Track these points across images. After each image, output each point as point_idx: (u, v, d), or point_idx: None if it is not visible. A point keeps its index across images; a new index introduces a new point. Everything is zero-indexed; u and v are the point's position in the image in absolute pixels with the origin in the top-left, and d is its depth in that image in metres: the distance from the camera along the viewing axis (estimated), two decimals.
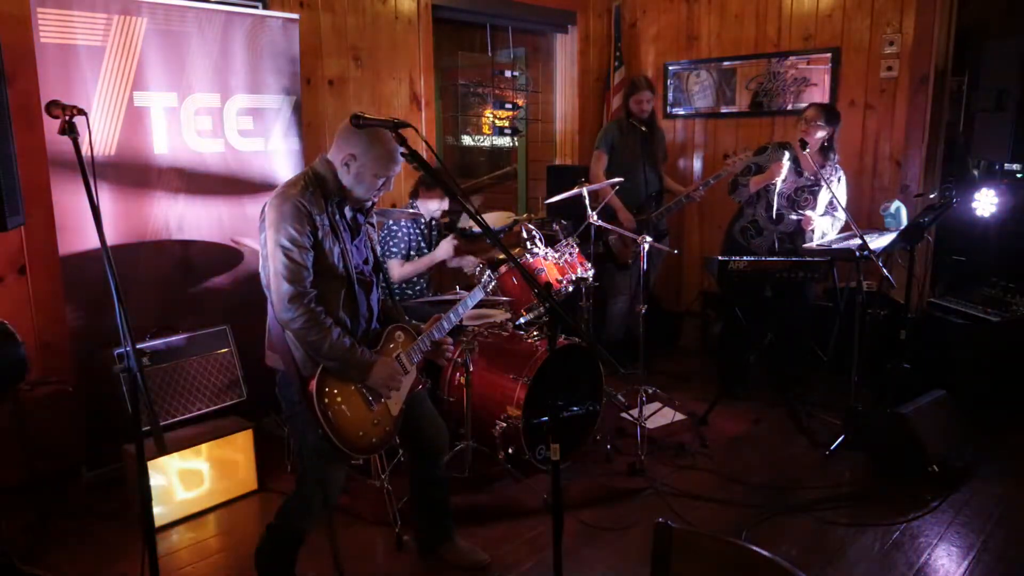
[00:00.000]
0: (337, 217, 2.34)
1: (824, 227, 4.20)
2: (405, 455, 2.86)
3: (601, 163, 4.91)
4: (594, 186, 4.21)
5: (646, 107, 4.82)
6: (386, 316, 2.60)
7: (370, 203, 2.45)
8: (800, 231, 4.20)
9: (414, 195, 3.98)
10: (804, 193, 4.19)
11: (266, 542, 2.54)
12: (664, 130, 5.37)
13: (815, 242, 4.13)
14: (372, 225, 2.57)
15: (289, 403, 2.40)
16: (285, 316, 2.23)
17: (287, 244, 2.21)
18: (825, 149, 4.17)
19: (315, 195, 2.28)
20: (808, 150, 3.95)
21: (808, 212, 4.14)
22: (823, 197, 4.17)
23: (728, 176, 4.41)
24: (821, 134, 4.11)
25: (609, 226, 4.14)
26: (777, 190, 4.08)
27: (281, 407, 2.48)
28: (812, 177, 4.16)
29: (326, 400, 2.28)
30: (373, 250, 2.53)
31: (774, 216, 4.18)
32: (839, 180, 4.20)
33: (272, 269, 2.25)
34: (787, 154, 4.11)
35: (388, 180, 2.36)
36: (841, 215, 4.15)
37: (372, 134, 2.27)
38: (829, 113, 4.15)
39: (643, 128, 4.85)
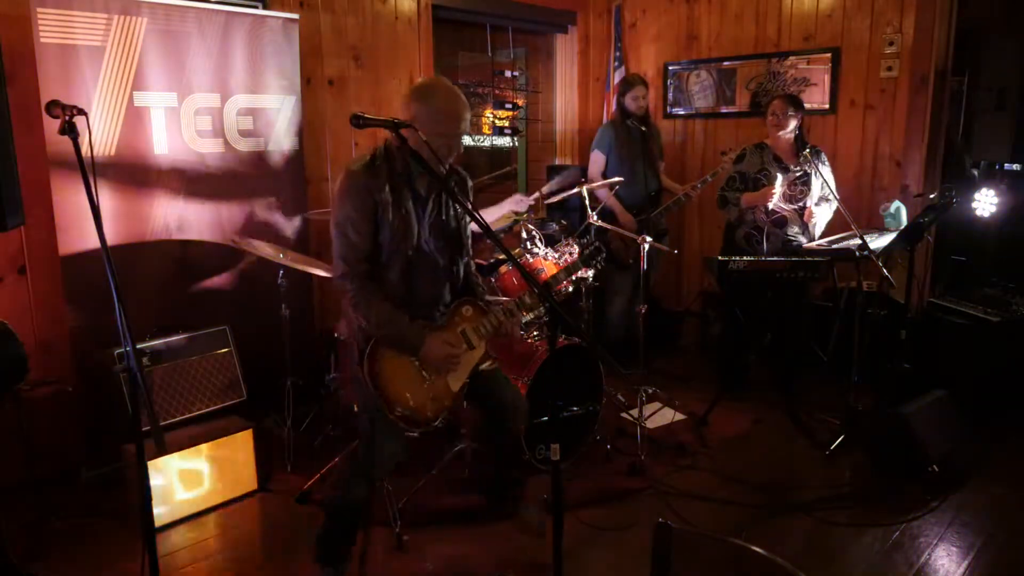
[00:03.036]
0: (405, 192, 2.30)
1: (823, 216, 4.19)
2: (482, 423, 2.81)
3: (599, 164, 4.90)
4: (594, 186, 4.21)
5: (642, 103, 4.78)
6: (464, 288, 2.54)
7: (444, 170, 2.32)
8: (803, 229, 4.18)
9: None
10: (798, 185, 4.18)
11: (329, 513, 2.54)
12: (661, 129, 5.36)
13: (817, 233, 4.13)
14: (464, 184, 2.48)
15: (351, 368, 2.43)
16: (339, 289, 2.30)
17: (343, 221, 2.24)
18: (797, 139, 4.17)
19: (380, 169, 2.26)
20: (806, 149, 3.96)
21: (810, 205, 4.13)
22: (816, 183, 4.16)
23: (724, 174, 4.40)
24: (794, 123, 4.12)
25: (609, 227, 4.14)
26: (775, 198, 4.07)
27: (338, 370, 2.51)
28: (798, 168, 4.15)
29: (378, 371, 2.27)
30: (457, 220, 2.44)
31: (776, 221, 4.16)
32: (823, 163, 4.19)
33: (334, 243, 2.30)
34: (780, 177, 4.08)
35: (455, 140, 2.30)
36: (835, 195, 4.14)
37: (430, 93, 2.24)
38: (795, 101, 4.16)
39: (641, 128, 4.84)
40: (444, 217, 2.43)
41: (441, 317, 2.45)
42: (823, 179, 3.99)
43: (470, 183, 2.54)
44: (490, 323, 2.47)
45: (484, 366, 2.54)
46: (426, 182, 2.37)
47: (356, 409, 2.95)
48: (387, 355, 2.30)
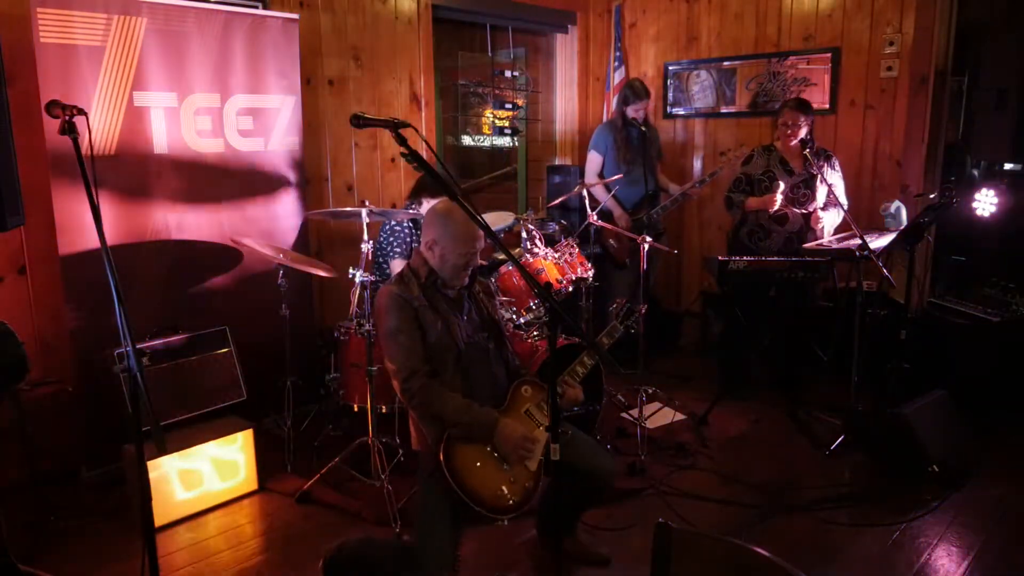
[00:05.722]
0: (437, 295, 2.48)
1: (831, 220, 4.19)
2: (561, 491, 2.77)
3: (595, 165, 4.89)
4: (594, 186, 4.22)
5: (642, 115, 4.79)
6: (512, 377, 2.60)
7: (467, 280, 2.55)
8: (808, 228, 4.19)
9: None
10: (802, 188, 4.18)
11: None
12: (659, 129, 5.35)
13: (825, 236, 4.14)
14: (488, 288, 2.66)
15: (421, 475, 2.47)
16: (405, 396, 2.38)
17: (393, 330, 2.40)
18: (804, 143, 4.17)
19: (410, 284, 2.48)
20: (807, 150, 3.98)
21: (817, 208, 4.13)
22: (822, 188, 4.16)
23: (722, 175, 4.41)
24: (806, 129, 4.13)
25: (609, 226, 4.14)
26: (778, 204, 4.08)
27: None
28: (804, 172, 4.16)
29: (457, 468, 2.27)
30: (492, 317, 2.61)
31: (778, 218, 4.18)
32: (833, 169, 4.20)
33: (387, 359, 2.44)
34: (781, 185, 4.09)
35: (472, 256, 2.48)
36: (843, 201, 4.14)
37: (448, 216, 2.43)
38: (806, 107, 4.16)
39: (641, 128, 4.84)
40: (481, 311, 2.60)
41: (502, 403, 2.48)
42: (828, 184, 3.99)
43: (493, 288, 2.76)
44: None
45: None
46: (454, 286, 2.55)
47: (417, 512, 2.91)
48: (462, 450, 2.31)
